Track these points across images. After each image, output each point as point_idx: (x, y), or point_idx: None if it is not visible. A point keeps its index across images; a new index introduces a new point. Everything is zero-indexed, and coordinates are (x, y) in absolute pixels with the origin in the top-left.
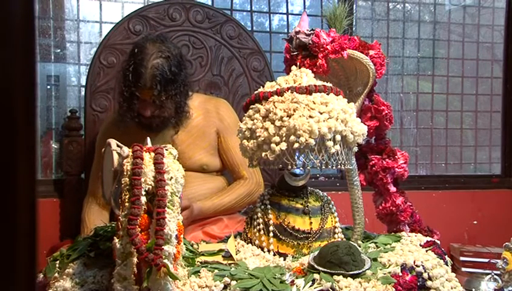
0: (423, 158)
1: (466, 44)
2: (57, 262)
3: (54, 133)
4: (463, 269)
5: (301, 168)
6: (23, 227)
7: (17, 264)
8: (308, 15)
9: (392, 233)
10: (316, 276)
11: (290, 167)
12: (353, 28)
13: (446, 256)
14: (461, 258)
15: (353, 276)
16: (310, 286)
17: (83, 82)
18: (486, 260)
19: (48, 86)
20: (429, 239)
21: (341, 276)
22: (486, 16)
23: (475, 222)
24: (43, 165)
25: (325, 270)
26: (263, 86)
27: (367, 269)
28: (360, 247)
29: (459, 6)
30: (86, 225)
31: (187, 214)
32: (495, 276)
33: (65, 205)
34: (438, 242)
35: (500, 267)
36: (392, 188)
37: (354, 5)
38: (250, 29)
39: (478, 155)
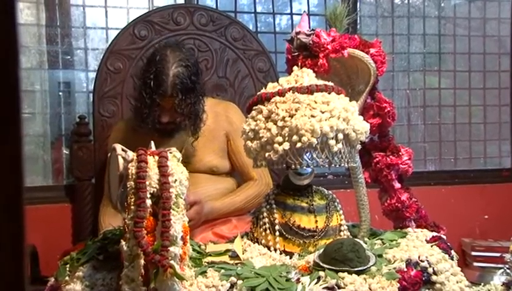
0: (431, 154)
1: (473, 38)
2: (68, 265)
3: (65, 139)
4: (475, 264)
5: (305, 167)
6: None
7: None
8: (315, 14)
9: (398, 229)
10: (321, 273)
11: (293, 166)
12: (358, 26)
13: (451, 251)
14: (473, 253)
15: (358, 273)
16: (316, 283)
17: (91, 88)
18: (498, 254)
19: (60, 93)
20: (434, 234)
21: (346, 273)
22: (492, 9)
23: (486, 216)
24: (55, 171)
25: (330, 267)
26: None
27: (372, 265)
28: (366, 243)
29: (465, 0)
30: (101, 228)
31: (198, 209)
32: (508, 270)
33: (76, 210)
34: (444, 237)
35: (509, 260)
36: (397, 185)
37: (358, 3)
38: (254, 30)
39: (487, 149)
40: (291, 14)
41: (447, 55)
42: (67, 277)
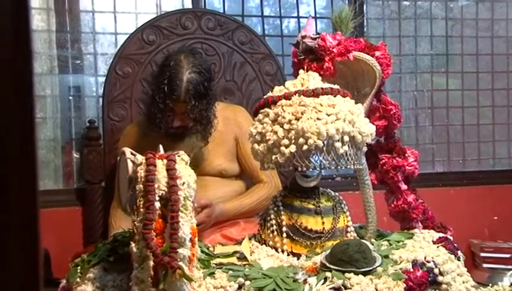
0: (439, 155)
1: (481, 39)
2: (79, 267)
3: (75, 143)
4: (484, 265)
5: (310, 170)
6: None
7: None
8: (323, 17)
9: (405, 231)
10: (328, 274)
11: (300, 168)
12: (365, 28)
13: (458, 251)
14: (482, 254)
15: (364, 273)
16: (323, 284)
17: (101, 92)
18: (508, 255)
19: (70, 98)
20: (441, 235)
21: (352, 274)
22: (500, 9)
23: (495, 217)
24: (66, 175)
25: (336, 268)
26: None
27: (378, 266)
28: (373, 244)
29: (473, 2)
30: (113, 229)
31: (209, 212)
32: None
33: (87, 213)
34: (451, 237)
35: None
36: (403, 186)
37: (365, 5)
38: (262, 34)
39: (496, 150)
40: (298, 17)
41: (455, 56)
42: (78, 279)
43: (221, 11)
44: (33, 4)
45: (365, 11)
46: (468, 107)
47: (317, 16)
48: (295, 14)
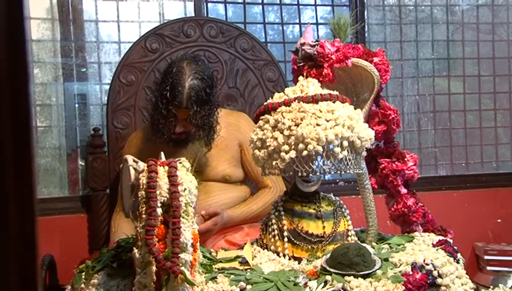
0: (442, 159)
1: (483, 43)
2: (83, 273)
3: (80, 151)
4: (488, 268)
5: (311, 175)
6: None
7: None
8: (326, 23)
9: (406, 234)
10: (328, 277)
11: (300, 173)
12: (366, 34)
13: (458, 254)
14: (486, 257)
15: (364, 276)
16: (323, 287)
17: (105, 100)
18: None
19: (76, 106)
20: (441, 238)
21: (352, 277)
22: (501, 13)
23: (499, 220)
24: (71, 183)
25: (336, 271)
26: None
27: (378, 269)
28: (373, 248)
29: (474, 6)
30: (111, 230)
31: (217, 220)
32: None
33: (92, 219)
34: (451, 240)
35: None
36: (403, 190)
37: (366, 11)
38: (264, 40)
39: (499, 153)
40: (300, 23)
41: (457, 60)
42: (82, 285)
43: (225, 18)
44: (38, 14)
45: (366, 17)
46: (470, 110)
47: (321, 21)
48: (299, 20)
